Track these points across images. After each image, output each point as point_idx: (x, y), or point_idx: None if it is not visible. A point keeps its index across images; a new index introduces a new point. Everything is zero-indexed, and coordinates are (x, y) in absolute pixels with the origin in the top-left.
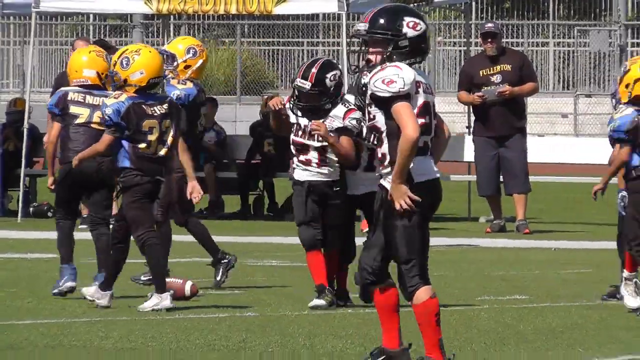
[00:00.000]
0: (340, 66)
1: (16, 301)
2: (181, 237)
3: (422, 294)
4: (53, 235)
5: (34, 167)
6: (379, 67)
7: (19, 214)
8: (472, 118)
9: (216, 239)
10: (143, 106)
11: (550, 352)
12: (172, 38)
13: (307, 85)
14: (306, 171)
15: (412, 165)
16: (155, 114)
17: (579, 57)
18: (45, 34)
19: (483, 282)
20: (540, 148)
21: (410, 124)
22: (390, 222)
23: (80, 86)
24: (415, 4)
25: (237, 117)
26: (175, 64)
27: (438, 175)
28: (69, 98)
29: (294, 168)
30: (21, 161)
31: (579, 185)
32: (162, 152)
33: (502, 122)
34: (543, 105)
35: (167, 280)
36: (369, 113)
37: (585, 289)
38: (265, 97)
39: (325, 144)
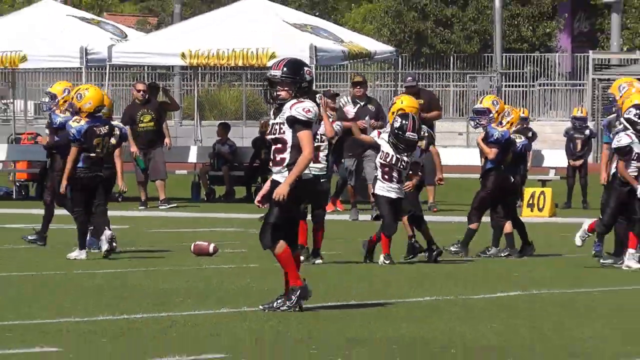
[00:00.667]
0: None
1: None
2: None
3: (283, 245)
4: (120, 213)
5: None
6: (295, 100)
7: None
8: None
9: (228, 216)
10: (94, 128)
11: None
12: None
13: (278, 73)
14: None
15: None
16: (101, 133)
17: (470, 94)
18: (116, 78)
19: None
20: (444, 155)
21: (309, 148)
22: (273, 202)
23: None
24: (360, 59)
25: (243, 135)
26: (56, 100)
27: (312, 175)
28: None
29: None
30: None
31: (471, 180)
32: (102, 155)
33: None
34: (446, 126)
35: (198, 242)
36: (280, 128)
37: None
38: (262, 121)
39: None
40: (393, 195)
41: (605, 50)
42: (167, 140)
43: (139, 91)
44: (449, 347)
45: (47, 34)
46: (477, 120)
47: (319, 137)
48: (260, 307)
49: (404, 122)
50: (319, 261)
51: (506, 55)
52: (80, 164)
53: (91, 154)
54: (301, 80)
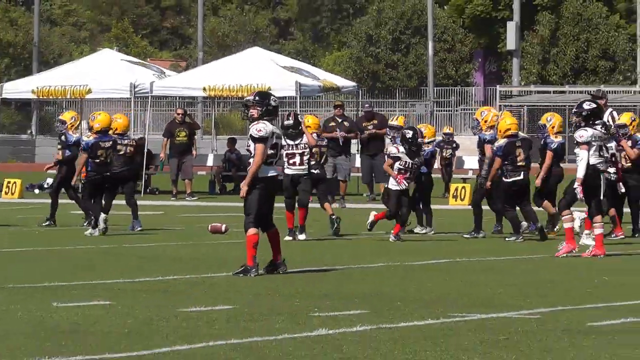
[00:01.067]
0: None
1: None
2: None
3: (252, 231)
4: (157, 202)
5: (149, 169)
6: (255, 122)
7: (142, 192)
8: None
9: (236, 205)
10: (100, 142)
11: None
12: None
13: (251, 98)
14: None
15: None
16: (104, 146)
17: (411, 117)
18: (155, 105)
19: None
20: None
21: (258, 157)
22: (246, 196)
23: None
24: (331, 91)
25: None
26: (65, 125)
27: (273, 174)
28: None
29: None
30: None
31: None
32: (106, 161)
33: (373, 147)
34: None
35: (214, 223)
36: (248, 142)
37: None
38: None
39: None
40: (402, 187)
41: (508, 84)
42: (194, 150)
43: (178, 114)
44: (396, 300)
45: (106, 73)
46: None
47: (302, 145)
48: (232, 273)
49: (413, 133)
50: (302, 237)
51: (437, 89)
52: (89, 168)
53: (96, 160)
54: (267, 105)
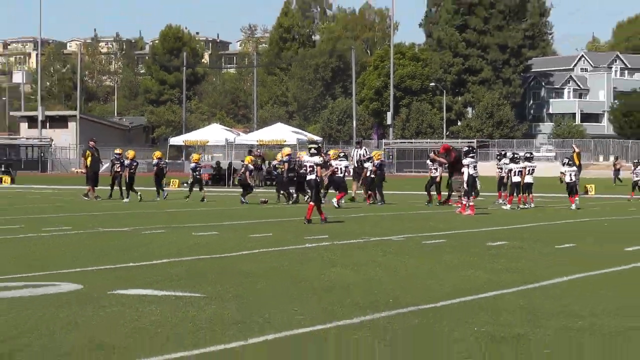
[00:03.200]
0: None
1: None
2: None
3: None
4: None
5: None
6: (316, 155)
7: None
8: None
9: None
10: (132, 165)
11: None
12: (261, 150)
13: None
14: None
15: None
16: (131, 166)
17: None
18: (237, 149)
19: None
20: None
21: (320, 171)
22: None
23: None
24: (310, 142)
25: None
26: (121, 155)
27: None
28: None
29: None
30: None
31: None
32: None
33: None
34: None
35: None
36: (311, 165)
37: None
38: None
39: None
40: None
41: (387, 139)
42: (264, 167)
43: (257, 153)
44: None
45: (212, 134)
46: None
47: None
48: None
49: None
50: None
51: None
52: (129, 174)
53: (129, 173)
54: (318, 149)
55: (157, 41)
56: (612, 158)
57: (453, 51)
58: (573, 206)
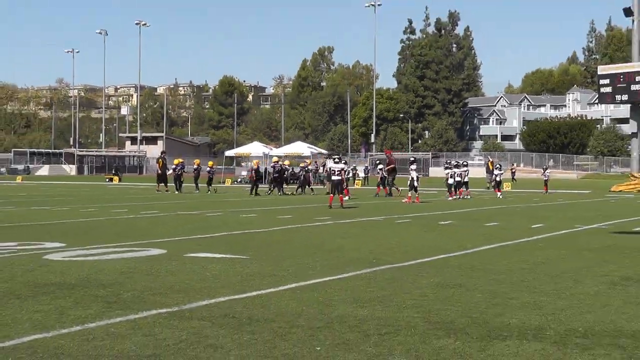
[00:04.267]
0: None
1: None
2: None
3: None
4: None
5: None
6: (338, 162)
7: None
8: None
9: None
10: (180, 169)
11: None
12: (284, 159)
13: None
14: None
15: None
16: (177, 169)
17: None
18: (267, 159)
19: None
20: None
21: (343, 175)
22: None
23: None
24: (321, 154)
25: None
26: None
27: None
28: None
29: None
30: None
31: None
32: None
33: None
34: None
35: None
36: (339, 169)
37: None
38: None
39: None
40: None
41: (372, 152)
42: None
43: (277, 162)
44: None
45: (253, 148)
46: None
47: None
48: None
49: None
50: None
51: (351, 153)
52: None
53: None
54: (341, 159)
55: (217, 86)
56: (511, 165)
57: (415, 93)
58: (499, 195)
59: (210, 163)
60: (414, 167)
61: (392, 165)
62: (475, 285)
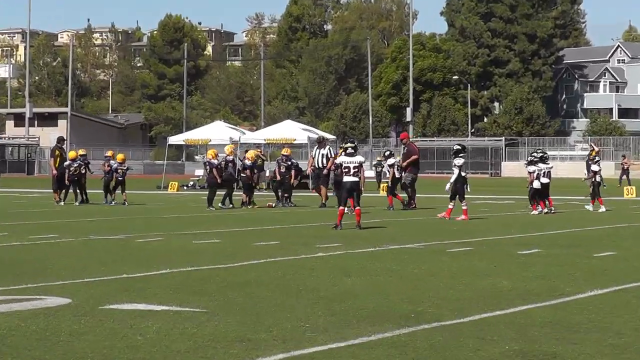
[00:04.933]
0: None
1: None
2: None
3: (340, 208)
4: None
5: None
6: (352, 156)
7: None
8: None
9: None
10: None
11: None
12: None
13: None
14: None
15: None
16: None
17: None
18: (241, 148)
19: None
20: None
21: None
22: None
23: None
24: (322, 140)
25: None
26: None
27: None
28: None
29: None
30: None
31: None
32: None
33: None
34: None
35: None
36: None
37: None
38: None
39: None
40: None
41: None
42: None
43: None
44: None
45: (214, 132)
46: None
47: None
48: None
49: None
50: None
51: (374, 139)
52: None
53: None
54: (353, 147)
55: (155, 32)
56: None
57: (477, 41)
58: (595, 207)
59: (120, 157)
60: (459, 161)
61: (413, 158)
62: (580, 357)
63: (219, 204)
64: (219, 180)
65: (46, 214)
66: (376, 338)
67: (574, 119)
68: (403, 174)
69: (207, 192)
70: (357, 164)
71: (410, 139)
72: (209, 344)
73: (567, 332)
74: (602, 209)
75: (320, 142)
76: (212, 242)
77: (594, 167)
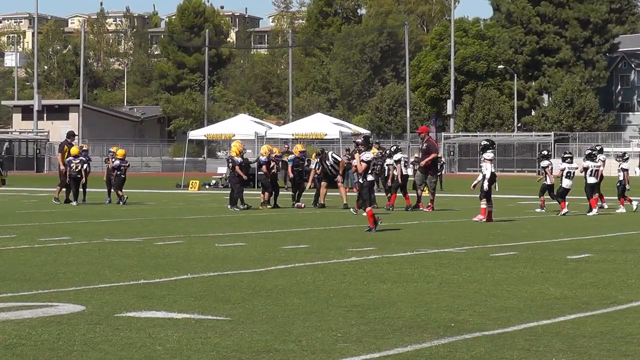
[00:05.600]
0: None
1: None
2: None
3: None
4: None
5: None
6: (363, 152)
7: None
8: None
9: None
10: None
11: None
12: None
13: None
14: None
15: None
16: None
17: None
18: (269, 142)
19: None
20: None
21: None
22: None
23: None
24: (355, 135)
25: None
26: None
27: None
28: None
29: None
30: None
31: None
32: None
33: None
34: None
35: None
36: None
37: None
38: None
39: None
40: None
41: (447, 132)
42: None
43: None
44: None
45: (238, 126)
46: None
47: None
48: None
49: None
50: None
51: (410, 134)
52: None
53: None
54: (368, 143)
55: (174, 17)
56: None
57: (525, 27)
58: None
59: (120, 152)
60: (489, 155)
61: (432, 156)
62: None
63: (227, 206)
64: (244, 177)
65: (57, 214)
66: (413, 349)
67: (630, 113)
68: (421, 173)
69: (231, 191)
70: (395, 159)
71: (429, 134)
72: (233, 355)
73: (619, 343)
74: (621, 209)
75: (320, 154)
76: (236, 245)
77: (624, 165)
